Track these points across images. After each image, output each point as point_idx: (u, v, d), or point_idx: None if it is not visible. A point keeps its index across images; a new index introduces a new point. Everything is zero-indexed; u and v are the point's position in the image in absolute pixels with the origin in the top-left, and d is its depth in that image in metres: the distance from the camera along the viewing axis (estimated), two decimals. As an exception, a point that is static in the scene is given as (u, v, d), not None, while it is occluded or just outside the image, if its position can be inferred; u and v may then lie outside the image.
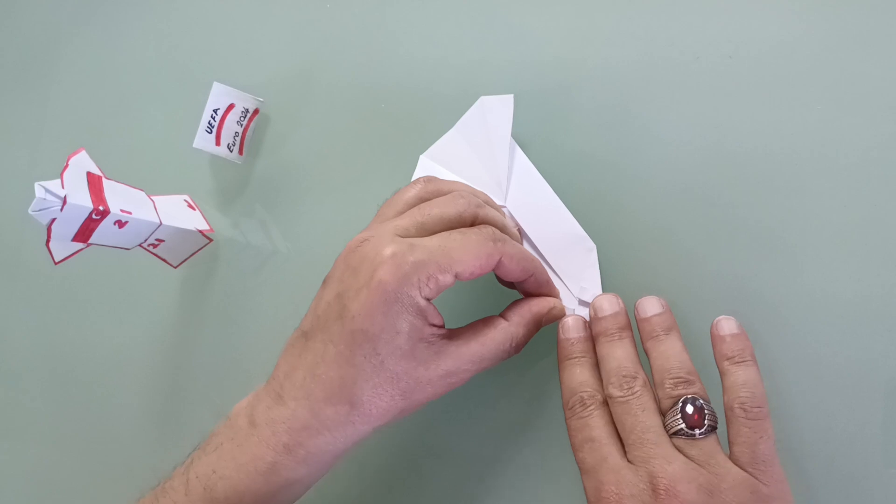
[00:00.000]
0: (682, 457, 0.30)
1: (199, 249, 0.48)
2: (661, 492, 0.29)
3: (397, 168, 0.44)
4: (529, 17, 0.43)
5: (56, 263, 0.38)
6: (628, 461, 0.31)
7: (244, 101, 0.46)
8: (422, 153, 0.42)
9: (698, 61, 0.39)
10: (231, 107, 0.46)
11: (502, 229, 0.36)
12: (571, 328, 0.36)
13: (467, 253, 0.32)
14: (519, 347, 0.35)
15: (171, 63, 0.51)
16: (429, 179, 0.37)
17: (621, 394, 0.33)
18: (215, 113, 0.45)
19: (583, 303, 0.38)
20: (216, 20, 0.50)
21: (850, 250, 0.36)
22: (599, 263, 0.39)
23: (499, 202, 0.40)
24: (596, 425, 0.33)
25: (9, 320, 0.54)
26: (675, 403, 0.32)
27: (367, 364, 0.31)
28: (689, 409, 0.31)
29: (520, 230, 0.39)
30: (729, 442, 0.31)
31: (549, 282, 0.37)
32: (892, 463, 0.34)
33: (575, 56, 0.42)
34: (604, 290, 0.39)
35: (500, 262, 0.34)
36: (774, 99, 0.38)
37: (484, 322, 0.35)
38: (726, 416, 0.32)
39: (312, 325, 0.33)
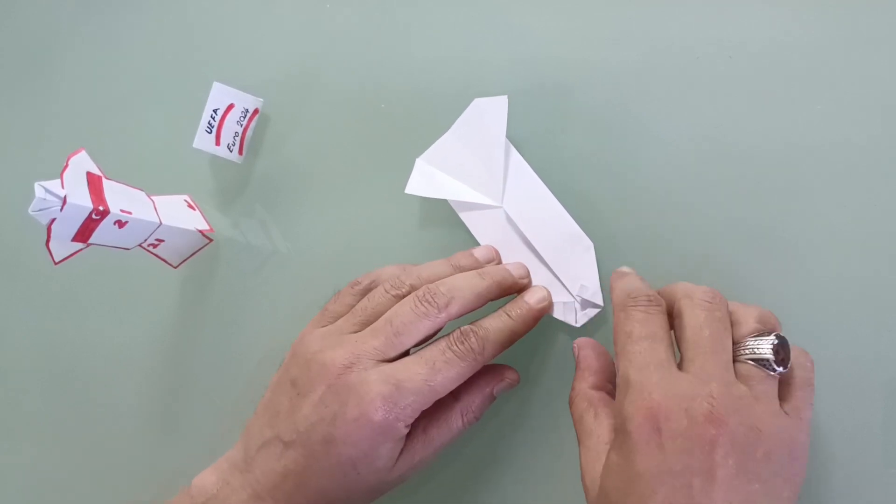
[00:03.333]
0: (744, 387, 0.29)
1: (199, 249, 0.48)
2: (714, 418, 0.27)
3: (397, 168, 0.44)
4: (529, 17, 0.43)
5: (56, 263, 0.38)
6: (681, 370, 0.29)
7: (244, 101, 0.46)
8: (419, 155, 0.42)
9: (698, 61, 0.39)
10: (231, 107, 0.46)
11: (476, 302, 0.36)
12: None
13: (450, 381, 0.34)
14: (473, 421, 0.37)
15: (171, 63, 0.51)
16: (406, 293, 0.37)
17: (703, 297, 0.31)
18: (215, 113, 0.45)
19: (585, 302, 0.38)
20: (216, 20, 0.50)
21: (850, 250, 0.36)
22: (599, 264, 0.39)
23: (495, 203, 0.40)
24: (660, 324, 0.31)
25: (9, 320, 0.54)
26: (767, 334, 0.30)
27: (347, 480, 0.34)
28: (781, 344, 0.29)
29: (518, 233, 0.39)
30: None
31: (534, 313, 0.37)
32: (892, 463, 0.34)
33: (575, 56, 0.42)
34: (602, 289, 0.39)
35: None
36: (774, 99, 0.38)
37: (439, 407, 0.36)
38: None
39: (291, 437, 0.35)
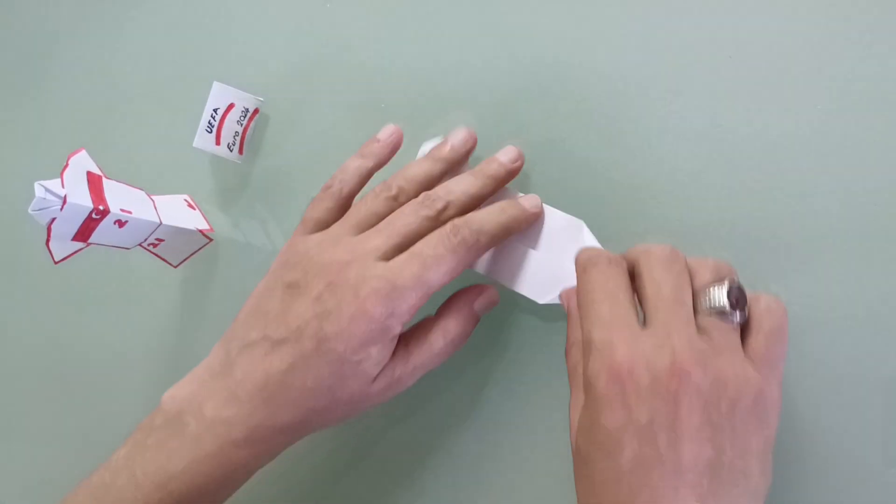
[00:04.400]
0: (706, 339, 0.28)
1: (199, 249, 0.48)
2: (677, 371, 0.27)
3: (397, 168, 0.44)
4: (529, 18, 0.43)
5: (56, 263, 0.38)
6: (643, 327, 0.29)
7: (244, 101, 0.46)
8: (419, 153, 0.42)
9: (698, 61, 0.39)
10: (231, 106, 0.46)
11: (472, 200, 0.37)
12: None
13: (443, 275, 0.34)
14: (455, 341, 0.37)
15: (171, 63, 0.51)
16: (397, 193, 0.37)
17: (660, 253, 0.31)
18: (215, 112, 0.45)
19: None
20: (216, 20, 0.50)
21: (850, 250, 0.36)
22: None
23: None
24: (621, 283, 0.31)
25: (8, 320, 0.54)
26: (721, 282, 0.30)
27: (333, 382, 0.33)
28: (736, 291, 0.29)
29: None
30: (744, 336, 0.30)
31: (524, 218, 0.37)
32: (892, 463, 0.34)
33: (575, 56, 0.42)
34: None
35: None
36: (774, 99, 0.38)
37: (420, 326, 0.37)
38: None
39: (282, 335, 0.34)
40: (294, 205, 0.47)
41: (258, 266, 0.47)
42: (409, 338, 0.36)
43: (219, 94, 0.45)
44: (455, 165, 0.40)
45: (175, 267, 0.48)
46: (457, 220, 0.35)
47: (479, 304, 0.38)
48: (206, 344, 0.48)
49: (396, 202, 0.37)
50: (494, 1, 0.44)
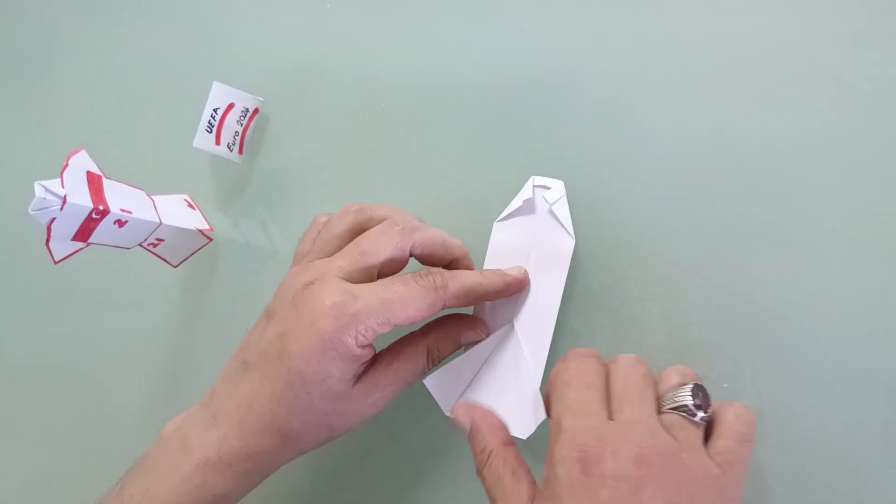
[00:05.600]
0: (669, 434, 0.29)
1: (199, 249, 0.48)
2: (640, 458, 0.28)
3: (397, 167, 0.44)
4: (529, 17, 0.43)
5: (56, 263, 0.38)
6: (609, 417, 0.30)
7: (244, 101, 0.46)
8: (423, 154, 0.42)
9: (698, 61, 0.39)
10: (231, 106, 0.46)
11: (442, 246, 0.37)
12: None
13: (408, 307, 0.33)
14: (438, 360, 0.37)
15: (171, 63, 0.51)
16: (359, 209, 0.38)
17: (626, 360, 0.32)
18: (215, 112, 0.45)
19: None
20: (216, 20, 0.50)
21: (850, 250, 0.36)
22: (598, 262, 0.39)
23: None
24: (596, 374, 0.32)
25: (9, 320, 0.54)
26: (684, 384, 0.31)
27: (298, 403, 0.33)
28: (700, 392, 0.30)
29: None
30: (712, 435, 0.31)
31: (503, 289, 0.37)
32: (893, 463, 0.34)
33: (575, 55, 0.42)
34: (603, 290, 0.39)
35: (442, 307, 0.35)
36: (774, 99, 0.38)
37: (403, 341, 0.37)
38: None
39: (253, 358, 0.35)
40: (294, 205, 0.47)
41: (258, 266, 0.47)
42: (392, 356, 0.36)
43: (219, 94, 0.45)
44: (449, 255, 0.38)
45: (175, 267, 0.48)
46: (432, 268, 0.35)
47: (465, 337, 0.38)
48: (205, 344, 0.48)
49: (363, 216, 0.37)
50: (495, 2, 0.44)
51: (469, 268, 0.38)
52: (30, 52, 0.56)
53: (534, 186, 0.39)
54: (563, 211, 0.39)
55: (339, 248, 0.36)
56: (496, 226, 0.40)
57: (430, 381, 0.37)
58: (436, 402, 0.38)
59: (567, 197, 0.39)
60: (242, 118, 0.47)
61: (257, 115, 0.48)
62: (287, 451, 0.35)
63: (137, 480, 0.36)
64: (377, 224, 0.37)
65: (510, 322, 0.38)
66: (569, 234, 0.38)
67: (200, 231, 0.47)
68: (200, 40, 0.51)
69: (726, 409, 0.31)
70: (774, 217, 0.37)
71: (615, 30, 0.41)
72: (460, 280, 0.35)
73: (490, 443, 0.33)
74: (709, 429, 0.31)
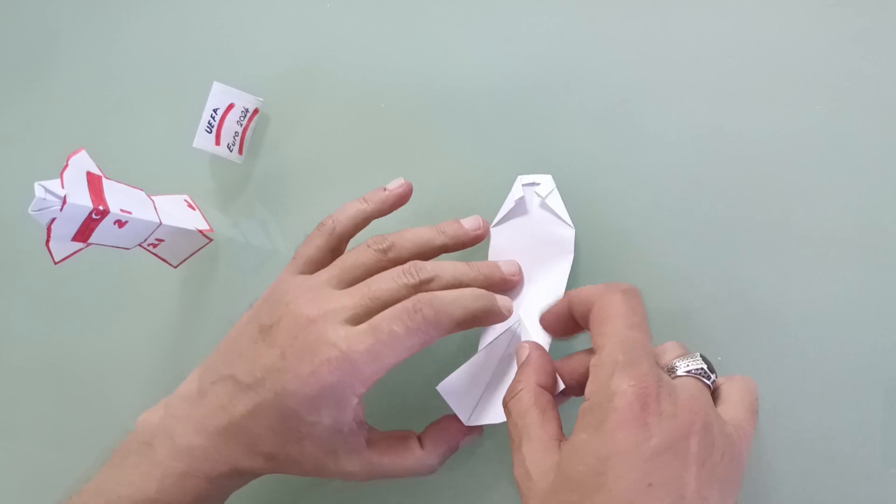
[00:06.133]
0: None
1: (199, 249, 0.48)
2: (693, 407, 0.28)
3: (397, 168, 0.44)
4: (529, 17, 0.43)
5: (56, 263, 0.38)
6: None
7: (244, 101, 0.46)
8: (423, 154, 0.42)
9: (698, 61, 0.39)
10: (231, 106, 0.46)
11: (459, 286, 0.36)
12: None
13: (399, 352, 0.34)
14: (432, 472, 0.38)
15: (171, 63, 0.51)
16: (388, 247, 0.37)
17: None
18: (215, 113, 0.45)
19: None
20: (216, 20, 0.50)
21: (850, 250, 0.36)
22: (597, 261, 0.39)
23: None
24: (644, 314, 0.32)
25: (9, 320, 0.54)
26: (691, 353, 0.31)
27: (285, 434, 0.34)
28: (705, 358, 0.31)
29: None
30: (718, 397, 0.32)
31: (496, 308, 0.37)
32: (893, 463, 0.34)
33: (575, 55, 0.42)
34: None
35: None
36: (774, 99, 0.38)
37: (401, 441, 0.37)
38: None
39: (246, 378, 0.35)
40: (294, 205, 0.47)
41: (258, 266, 0.47)
42: (387, 444, 0.37)
43: (219, 94, 0.45)
44: (459, 245, 0.39)
45: (175, 267, 0.48)
46: (422, 296, 0.34)
47: (466, 442, 0.39)
48: (205, 344, 0.48)
49: (385, 257, 0.37)
50: (494, 2, 0.44)
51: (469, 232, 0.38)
52: (30, 52, 0.56)
53: (522, 185, 0.39)
54: (557, 202, 0.39)
55: (355, 283, 0.36)
56: (493, 231, 0.40)
57: (443, 388, 0.36)
58: (435, 400, 0.38)
59: (562, 196, 0.39)
60: (242, 118, 0.47)
61: (257, 116, 0.48)
62: (266, 470, 0.36)
63: (123, 478, 0.37)
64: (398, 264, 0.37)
65: (518, 319, 0.38)
66: (567, 224, 0.38)
67: (200, 231, 0.47)
68: (200, 40, 0.51)
69: (734, 379, 0.32)
70: (774, 217, 0.37)
71: (615, 30, 0.41)
72: (451, 312, 0.34)
73: (528, 379, 0.33)
74: (714, 397, 0.31)
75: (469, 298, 0.35)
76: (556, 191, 0.39)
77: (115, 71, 0.53)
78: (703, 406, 0.28)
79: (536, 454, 0.30)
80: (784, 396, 0.36)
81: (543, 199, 0.39)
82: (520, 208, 0.39)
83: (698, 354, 0.31)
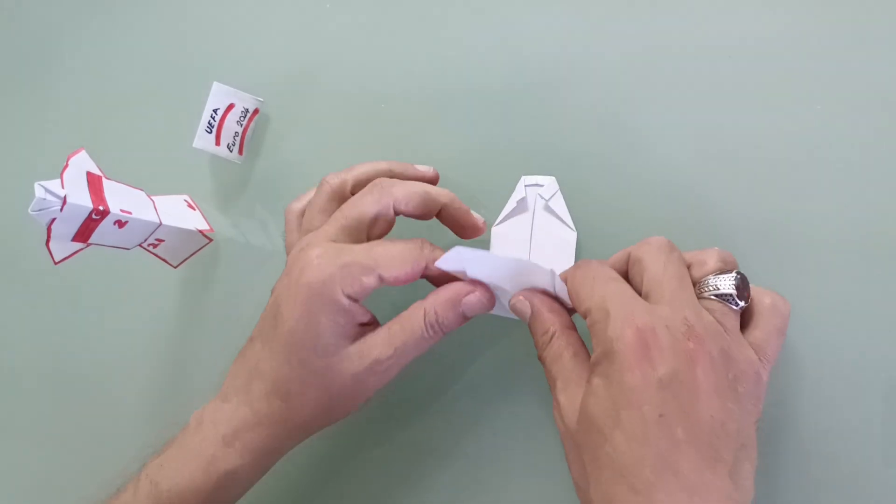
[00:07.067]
0: (711, 317, 0.30)
1: (199, 249, 0.48)
2: (692, 334, 0.28)
3: (397, 168, 0.44)
4: (529, 17, 0.43)
5: (56, 263, 0.38)
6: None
7: (244, 101, 0.46)
8: (422, 155, 0.42)
9: (698, 61, 0.39)
10: (231, 107, 0.46)
11: (425, 196, 0.37)
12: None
13: (392, 260, 0.34)
14: (437, 327, 0.35)
15: (171, 63, 0.51)
16: (339, 181, 0.38)
17: (658, 243, 0.32)
18: (215, 113, 0.45)
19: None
20: (216, 20, 0.50)
21: (850, 250, 0.36)
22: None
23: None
24: (617, 274, 0.32)
25: (9, 320, 0.54)
26: (726, 271, 0.31)
27: (295, 361, 0.34)
28: (740, 279, 0.31)
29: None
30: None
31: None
32: (892, 463, 0.34)
33: (575, 55, 0.42)
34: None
35: (426, 267, 0.35)
36: (774, 99, 0.38)
37: (406, 311, 0.36)
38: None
39: (257, 330, 0.37)
40: (294, 205, 0.47)
41: (258, 266, 0.47)
42: (392, 321, 0.36)
43: (219, 95, 0.45)
44: (406, 176, 0.40)
45: (175, 267, 0.48)
46: (379, 179, 0.37)
47: (467, 305, 0.36)
48: (205, 344, 0.48)
49: (344, 185, 0.38)
50: (495, 2, 0.44)
51: (459, 210, 0.39)
52: (30, 52, 0.56)
53: (525, 186, 0.39)
54: (560, 206, 0.39)
55: (325, 222, 0.37)
56: (494, 231, 0.40)
57: (442, 262, 0.35)
58: (435, 400, 0.38)
59: (562, 195, 0.39)
60: (242, 118, 0.47)
61: (257, 116, 0.48)
62: (291, 419, 0.35)
63: (154, 460, 0.37)
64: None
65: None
66: (569, 227, 0.38)
67: (200, 231, 0.47)
68: (200, 40, 0.51)
69: (763, 298, 0.32)
70: (774, 217, 0.37)
71: (614, 30, 0.41)
72: (401, 183, 0.36)
73: (553, 324, 0.33)
74: (744, 313, 0.32)
75: (413, 184, 0.37)
76: (559, 193, 0.39)
77: (115, 71, 0.53)
78: (714, 333, 0.29)
79: (570, 396, 0.31)
80: (784, 396, 0.36)
81: (547, 201, 0.39)
82: (521, 208, 0.39)
83: (734, 273, 0.31)
